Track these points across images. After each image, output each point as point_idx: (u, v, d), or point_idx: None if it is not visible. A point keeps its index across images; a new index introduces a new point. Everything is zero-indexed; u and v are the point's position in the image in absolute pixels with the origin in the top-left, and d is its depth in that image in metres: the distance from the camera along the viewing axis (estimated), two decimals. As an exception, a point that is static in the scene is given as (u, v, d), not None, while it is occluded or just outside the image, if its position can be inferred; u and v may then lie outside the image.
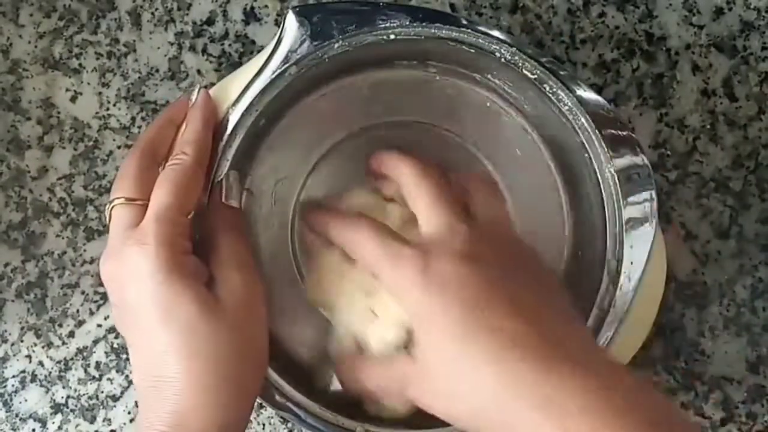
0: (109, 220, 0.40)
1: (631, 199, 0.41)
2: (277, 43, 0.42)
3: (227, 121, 0.42)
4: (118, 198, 0.40)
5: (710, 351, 0.50)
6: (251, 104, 0.42)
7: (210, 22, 0.51)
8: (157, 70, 0.51)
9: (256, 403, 0.50)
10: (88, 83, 0.51)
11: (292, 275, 0.45)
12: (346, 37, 0.42)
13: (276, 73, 0.42)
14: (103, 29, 0.51)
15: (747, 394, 0.50)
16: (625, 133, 0.42)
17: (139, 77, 0.51)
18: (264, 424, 0.51)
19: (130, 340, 0.39)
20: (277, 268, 0.45)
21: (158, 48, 0.51)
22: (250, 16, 0.51)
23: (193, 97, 0.42)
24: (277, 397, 0.42)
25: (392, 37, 0.42)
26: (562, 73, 0.42)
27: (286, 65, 0.42)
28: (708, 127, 0.51)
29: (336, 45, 0.42)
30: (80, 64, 0.51)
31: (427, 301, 0.36)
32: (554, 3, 0.51)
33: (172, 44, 0.51)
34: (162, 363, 0.37)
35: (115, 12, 0.51)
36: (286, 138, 0.45)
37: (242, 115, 0.42)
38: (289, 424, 0.51)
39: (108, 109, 0.51)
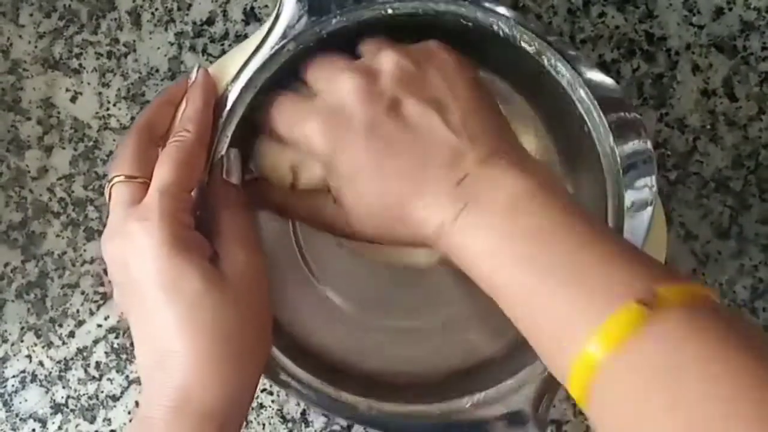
0: (109, 199, 0.40)
1: (634, 184, 0.41)
2: (275, 18, 0.42)
3: (226, 97, 0.42)
4: (117, 176, 0.40)
5: (710, 351, 0.50)
6: (250, 80, 0.42)
7: (210, 22, 0.51)
8: (157, 70, 0.51)
9: (255, 403, 0.50)
10: (88, 83, 0.51)
11: (293, 255, 0.46)
12: (343, 12, 0.42)
13: (274, 49, 0.42)
14: (103, 29, 0.51)
15: (747, 395, 0.50)
16: (631, 115, 0.41)
17: (139, 77, 0.51)
18: (264, 424, 0.51)
19: (134, 317, 0.39)
20: (278, 248, 0.46)
21: (158, 48, 0.51)
22: (250, 16, 0.51)
23: (193, 76, 0.42)
24: (282, 376, 0.42)
25: (390, 11, 0.42)
26: (571, 53, 0.42)
27: (284, 41, 0.42)
28: (708, 127, 0.51)
29: (334, 20, 0.42)
30: (80, 65, 0.51)
31: (336, 139, 0.39)
32: (554, 3, 0.51)
33: (172, 44, 0.51)
34: (167, 338, 0.37)
35: (115, 12, 0.51)
36: None
37: (241, 92, 0.42)
38: (290, 424, 0.51)
39: (108, 109, 0.51)
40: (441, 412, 0.42)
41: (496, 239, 0.36)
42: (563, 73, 0.41)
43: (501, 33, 0.42)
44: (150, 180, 0.39)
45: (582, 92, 0.41)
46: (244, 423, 0.50)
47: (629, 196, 0.41)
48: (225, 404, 0.37)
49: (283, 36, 0.42)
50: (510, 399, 0.42)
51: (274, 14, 0.42)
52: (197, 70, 0.42)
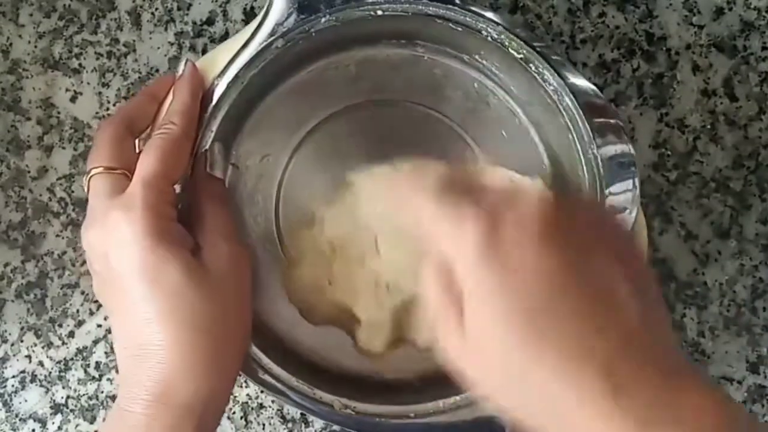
0: (88, 191, 0.40)
1: (613, 188, 0.41)
2: (264, 15, 0.42)
3: (212, 92, 0.42)
4: (96, 167, 0.40)
5: (710, 351, 0.50)
6: (236, 76, 0.42)
7: (210, 22, 0.51)
8: (157, 70, 0.51)
9: (255, 403, 0.50)
10: (88, 83, 0.51)
11: (276, 251, 0.46)
12: (333, 11, 0.42)
13: (262, 46, 0.42)
14: (103, 29, 0.51)
15: (747, 394, 0.50)
16: (613, 121, 0.42)
17: (139, 77, 0.51)
18: (264, 424, 0.51)
19: (114, 308, 0.39)
20: (261, 244, 0.46)
21: (158, 48, 0.51)
22: (250, 16, 0.51)
23: (181, 69, 0.42)
24: (260, 374, 0.42)
25: (379, 12, 0.42)
26: (554, 57, 0.42)
27: (273, 38, 0.42)
28: (708, 127, 0.51)
29: (323, 19, 0.42)
30: (80, 64, 0.51)
31: (486, 277, 0.30)
32: (554, 3, 0.51)
33: (172, 44, 0.51)
34: (147, 330, 0.37)
35: (115, 12, 0.51)
36: (273, 115, 0.45)
37: (227, 87, 0.42)
38: (290, 424, 0.51)
39: (108, 109, 0.51)
40: (416, 414, 0.42)
41: None
42: (550, 81, 0.42)
43: (489, 38, 0.42)
44: (129, 171, 0.39)
45: (567, 100, 0.42)
46: (249, 423, 0.50)
47: (610, 199, 0.41)
48: (205, 397, 0.37)
49: (272, 33, 0.42)
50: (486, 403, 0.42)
51: (263, 11, 0.42)
52: (185, 64, 0.42)
